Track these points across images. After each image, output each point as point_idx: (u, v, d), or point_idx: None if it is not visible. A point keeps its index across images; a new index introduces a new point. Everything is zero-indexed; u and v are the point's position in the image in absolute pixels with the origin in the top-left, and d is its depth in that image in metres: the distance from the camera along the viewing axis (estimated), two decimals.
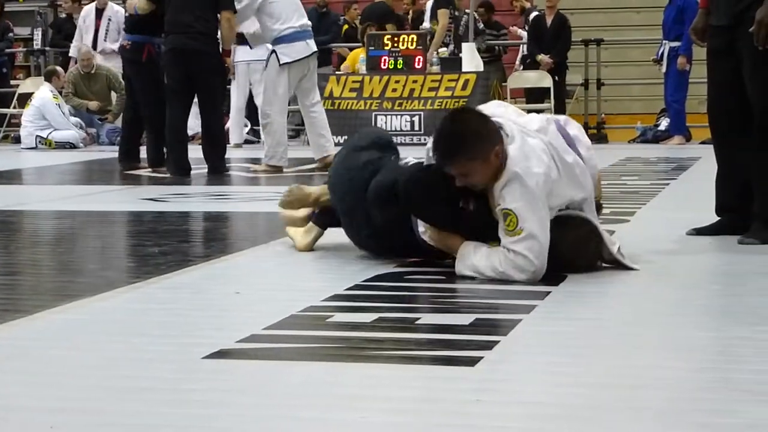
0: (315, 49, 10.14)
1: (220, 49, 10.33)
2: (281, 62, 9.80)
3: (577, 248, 4.59)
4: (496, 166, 4.45)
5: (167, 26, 9.76)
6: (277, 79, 9.86)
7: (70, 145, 13.74)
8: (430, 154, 4.66)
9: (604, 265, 4.75)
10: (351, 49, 15.48)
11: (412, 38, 13.71)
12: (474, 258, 4.50)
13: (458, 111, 4.61)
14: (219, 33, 9.93)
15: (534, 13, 14.97)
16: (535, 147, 4.51)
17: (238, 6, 9.81)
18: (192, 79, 9.71)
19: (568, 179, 4.58)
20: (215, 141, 10.02)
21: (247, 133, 14.46)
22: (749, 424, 2.70)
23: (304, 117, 10.50)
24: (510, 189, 4.41)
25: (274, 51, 9.87)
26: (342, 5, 17.04)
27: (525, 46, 15.32)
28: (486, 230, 4.53)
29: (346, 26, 16.44)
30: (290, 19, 9.89)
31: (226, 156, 10.22)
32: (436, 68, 13.69)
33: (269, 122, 9.97)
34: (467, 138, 4.46)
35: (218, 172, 9.84)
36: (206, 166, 9.95)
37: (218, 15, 9.78)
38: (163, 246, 5.75)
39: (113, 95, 14.75)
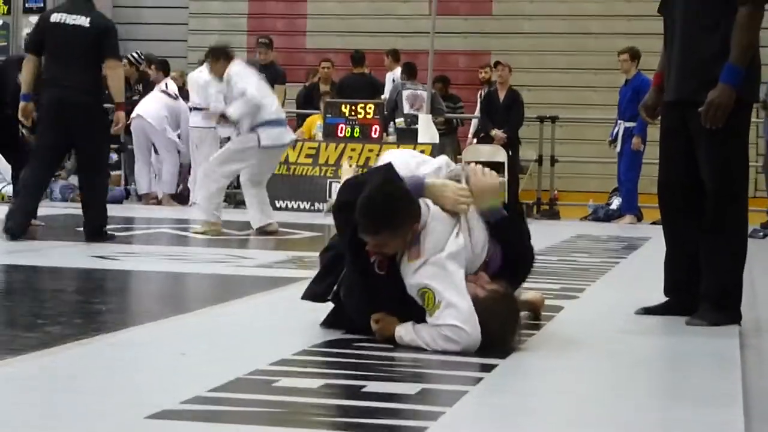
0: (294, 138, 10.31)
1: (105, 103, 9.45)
2: (261, 144, 9.86)
3: (506, 324, 4.58)
4: (408, 241, 4.52)
5: (45, 80, 8.92)
6: (244, 153, 9.90)
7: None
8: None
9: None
10: (307, 115, 15.52)
11: (370, 107, 13.80)
12: (407, 339, 4.52)
13: (392, 184, 4.61)
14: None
15: (487, 89, 15.14)
16: (445, 222, 4.56)
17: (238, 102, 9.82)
18: (70, 135, 8.86)
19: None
20: (97, 205, 9.02)
21: None
22: None
23: (249, 191, 10.37)
24: (425, 268, 4.48)
25: (255, 131, 9.91)
26: (305, 71, 17.08)
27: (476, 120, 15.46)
28: (404, 302, 4.56)
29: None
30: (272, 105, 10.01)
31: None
32: (392, 138, 13.78)
33: (214, 178, 9.98)
34: (396, 214, 4.51)
35: (95, 240, 8.87)
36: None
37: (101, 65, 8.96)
38: (110, 304, 5.71)
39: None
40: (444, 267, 4.48)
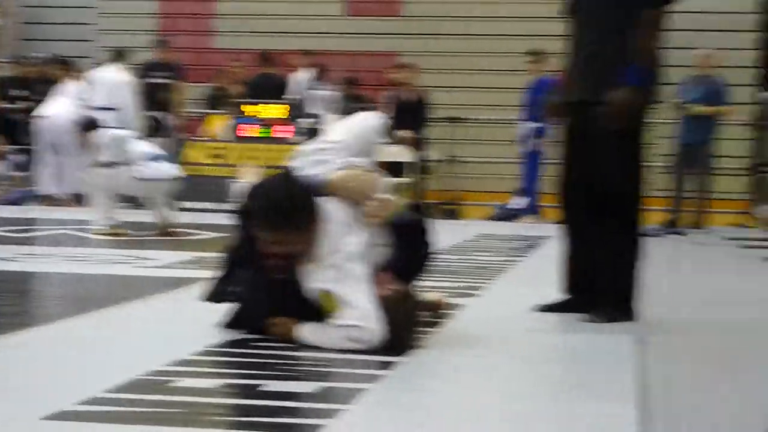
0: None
1: None
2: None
3: (408, 323, 4.61)
4: (308, 241, 4.54)
5: None
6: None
7: None
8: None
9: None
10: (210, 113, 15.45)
11: (278, 108, 13.78)
12: (311, 339, 4.54)
13: (296, 182, 4.62)
14: None
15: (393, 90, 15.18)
16: (340, 221, 4.58)
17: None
18: None
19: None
20: None
21: None
22: None
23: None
24: (323, 271, 4.51)
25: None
26: (213, 71, 16.95)
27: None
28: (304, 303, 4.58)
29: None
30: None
31: None
32: (300, 138, 13.75)
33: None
34: (296, 210, 4.53)
35: None
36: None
37: None
38: (7, 305, 5.64)
39: None
40: (341, 268, 4.50)
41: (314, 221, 4.55)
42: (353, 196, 4.63)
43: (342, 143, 4.76)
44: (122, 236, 9.76)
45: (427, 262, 4.92)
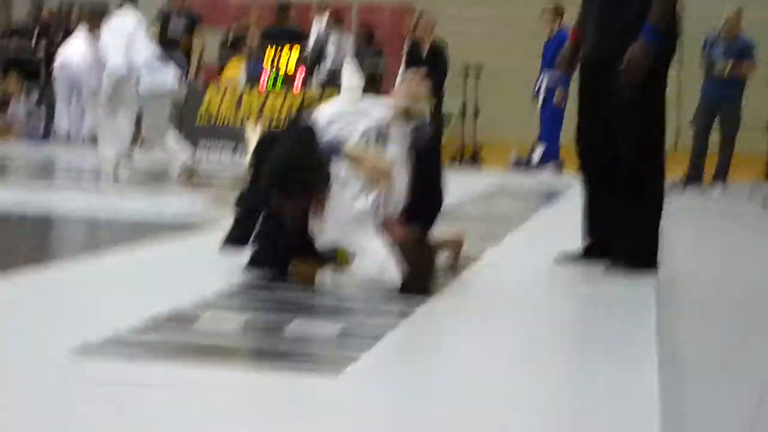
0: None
1: None
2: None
3: (423, 269, 4.60)
4: (314, 205, 4.57)
5: None
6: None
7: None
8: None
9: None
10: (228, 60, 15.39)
11: (294, 56, 13.73)
12: (329, 285, 4.56)
13: (298, 148, 4.67)
14: None
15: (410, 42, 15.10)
16: (352, 186, 4.59)
17: None
18: None
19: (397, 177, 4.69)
20: None
21: None
22: None
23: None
24: (332, 231, 4.56)
25: None
26: (229, 21, 16.88)
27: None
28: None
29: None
30: None
31: None
32: (315, 86, 13.74)
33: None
34: (296, 180, 4.56)
35: None
36: None
37: None
38: (30, 242, 5.66)
39: None
40: (351, 226, 4.54)
41: (326, 182, 4.57)
42: (363, 173, 4.63)
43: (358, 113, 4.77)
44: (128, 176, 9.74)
45: (435, 203, 4.92)
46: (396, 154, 4.73)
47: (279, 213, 4.62)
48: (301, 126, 4.83)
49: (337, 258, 4.55)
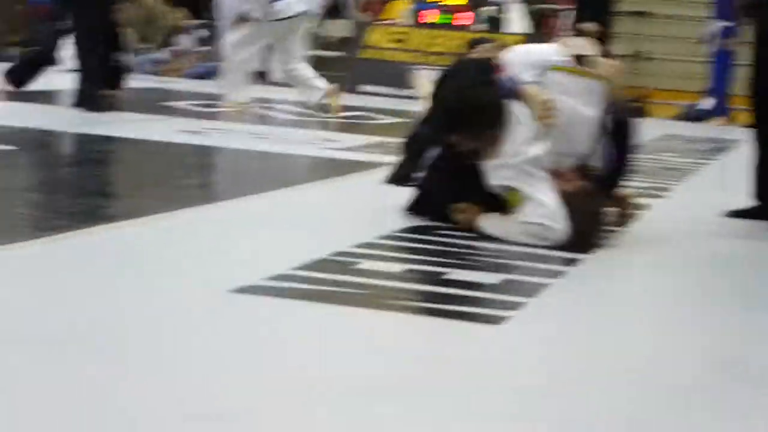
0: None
1: None
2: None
3: (591, 221, 4.53)
4: (489, 144, 4.50)
5: None
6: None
7: None
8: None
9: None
10: None
11: None
12: (492, 231, 4.51)
13: (478, 87, 4.60)
14: None
15: None
16: (529, 127, 4.53)
17: None
18: None
19: (571, 125, 4.61)
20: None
21: None
22: (746, 409, 2.67)
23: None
24: (504, 171, 4.47)
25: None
26: None
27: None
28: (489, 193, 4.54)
29: None
30: None
31: None
32: (482, 26, 13.61)
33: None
34: (471, 117, 4.50)
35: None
36: None
37: None
38: (192, 179, 5.74)
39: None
40: (524, 169, 4.46)
41: (501, 122, 4.50)
42: (533, 111, 4.56)
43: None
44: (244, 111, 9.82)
45: (622, 170, 4.84)
46: (571, 104, 4.63)
47: (451, 150, 4.58)
48: (475, 64, 4.78)
49: (508, 200, 4.48)
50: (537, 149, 4.51)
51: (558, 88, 4.60)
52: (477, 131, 4.50)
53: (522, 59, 4.72)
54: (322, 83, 10.22)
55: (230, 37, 10.16)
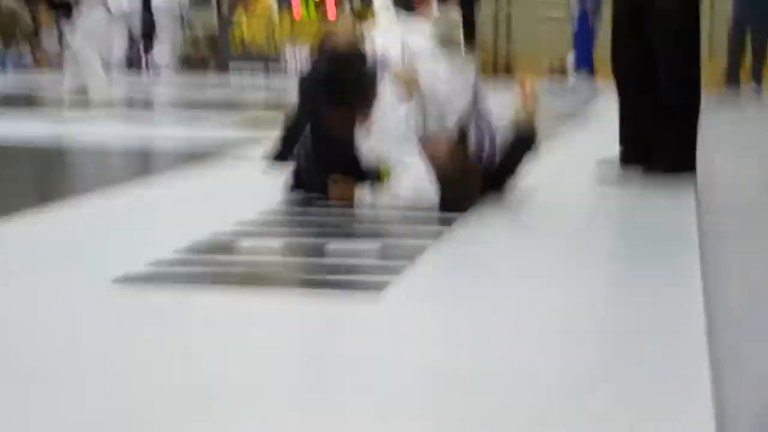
0: None
1: None
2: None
3: (463, 183, 4.59)
4: (362, 114, 4.57)
5: None
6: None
7: None
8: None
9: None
10: None
11: None
12: (367, 200, 4.57)
13: (346, 58, 4.71)
14: None
15: None
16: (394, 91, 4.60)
17: None
18: None
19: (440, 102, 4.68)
20: None
21: None
22: (646, 375, 2.75)
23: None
24: (376, 134, 4.55)
25: None
26: None
27: None
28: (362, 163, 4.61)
29: None
30: None
31: None
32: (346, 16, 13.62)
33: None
34: (353, 95, 4.57)
35: None
36: None
37: None
38: (65, 171, 5.67)
39: None
40: (393, 135, 4.53)
41: (370, 88, 4.57)
42: (397, 83, 4.64)
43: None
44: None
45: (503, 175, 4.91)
46: (437, 77, 4.70)
47: (325, 125, 4.62)
48: (343, 41, 4.84)
49: (380, 173, 4.55)
50: (405, 114, 4.57)
51: (421, 62, 4.69)
52: (347, 102, 4.55)
53: (384, 35, 4.83)
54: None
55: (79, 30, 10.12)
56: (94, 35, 10.04)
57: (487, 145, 4.84)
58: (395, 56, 4.74)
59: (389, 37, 4.89)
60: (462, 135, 4.75)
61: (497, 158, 4.82)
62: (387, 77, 4.64)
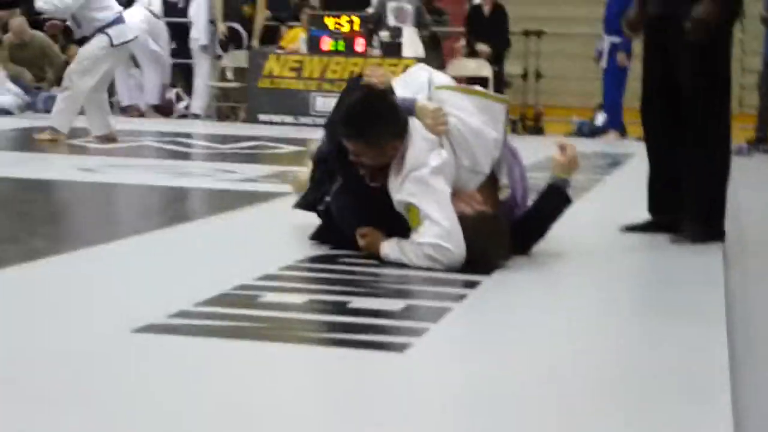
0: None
1: None
2: (114, 42, 9.93)
3: (491, 243, 4.55)
4: (391, 157, 4.53)
5: None
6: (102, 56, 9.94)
7: (5, 112, 13.54)
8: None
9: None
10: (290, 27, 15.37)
11: (354, 20, 13.68)
12: (393, 256, 4.52)
13: (379, 95, 4.66)
14: None
15: (475, 1, 14.99)
16: (427, 138, 4.57)
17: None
18: None
19: (474, 141, 4.65)
20: None
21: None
22: (670, 418, 2.73)
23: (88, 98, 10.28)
24: (407, 184, 4.48)
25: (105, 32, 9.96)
26: None
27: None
28: (393, 217, 4.56)
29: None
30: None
31: None
32: (376, 52, 13.68)
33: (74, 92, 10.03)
34: (375, 126, 4.52)
35: None
36: None
37: None
38: (93, 217, 5.69)
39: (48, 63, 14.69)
40: (427, 183, 4.48)
41: (394, 135, 4.54)
42: (426, 127, 4.61)
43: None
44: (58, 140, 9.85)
45: (534, 232, 4.90)
46: (464, 119, 4.67)
47: (354, 175, 4.60)
48: (373, 83, 4.83)
49: (409, 218, 4.50)
50: (438, 159, 4.54)
51: (448, 104, 4.66)
52: (375, 139, 4.52)
53: (407, 81, 4.82)
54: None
55: (73, 65, 10.15)
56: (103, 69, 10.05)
57: (519, 192, 4.83)
58: (421, 94, 4.72)
59: (415, 76, 4.88)
60: (493, 179, 4.72)
61: (527, 207, 4.83)
62: (413, 118, 4.61)
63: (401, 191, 4.50)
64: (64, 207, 6.51)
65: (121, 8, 10.48)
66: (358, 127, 4.54)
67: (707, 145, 5.45)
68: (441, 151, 4.56)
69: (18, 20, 14.48)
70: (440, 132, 4.59)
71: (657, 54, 5.58)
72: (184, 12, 15.43)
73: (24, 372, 2.90)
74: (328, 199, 4.87)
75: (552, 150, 4.95)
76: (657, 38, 5.57)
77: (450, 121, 4.61)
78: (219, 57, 14.62)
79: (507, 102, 4.95)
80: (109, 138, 10.10)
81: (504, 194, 4.76)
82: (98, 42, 9.94)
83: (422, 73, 4.96)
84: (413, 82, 4.86)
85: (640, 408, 2.81)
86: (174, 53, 14.99)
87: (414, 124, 4.60)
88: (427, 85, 4.81)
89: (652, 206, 5.71)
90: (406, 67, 12.95)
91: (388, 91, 4.67)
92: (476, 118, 4.70)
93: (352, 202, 4.70)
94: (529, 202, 4.94)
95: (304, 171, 5.51)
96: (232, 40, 14.52)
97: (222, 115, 14.49)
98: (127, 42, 10.22)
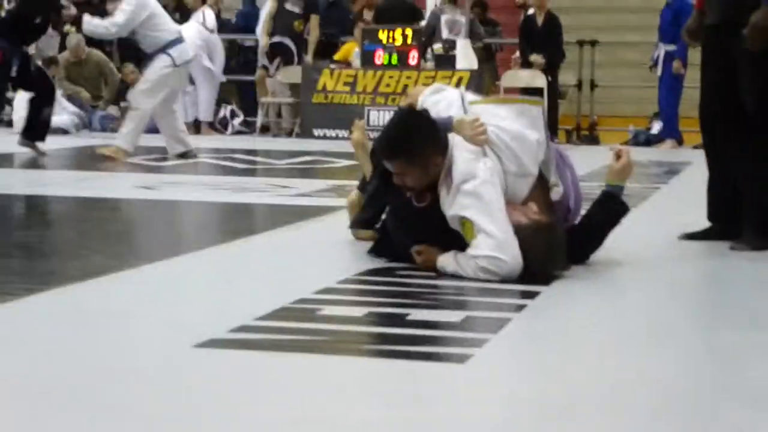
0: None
1: None
2: (177, 63, 10.12)
3: (547, 253, 4.52)
4: (434, 175, 4.54)
5: None
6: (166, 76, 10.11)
7: (61, 131, 13.69)
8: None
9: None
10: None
11: (407, 34, 13.70)
12: (450, 269, 4.52)
13: (413, 113, 4.69)
14: None
15: (528, 12, 14.95)
16: (470, 149, 4.56)
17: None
18: None
19: (516, 146, 4.64)
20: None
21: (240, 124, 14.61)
22: (733, 428, 2.71)
23: (162, 116, 10.51)
24: (459, 198, 4.48)
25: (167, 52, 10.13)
26: None
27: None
28: (447, 232, 4.56)
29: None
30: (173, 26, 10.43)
31: None
32: (430, 64, 13.69)
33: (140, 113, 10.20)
34: (413, 143, 4.54)
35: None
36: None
37: None
38: (154, 234, 5.74)
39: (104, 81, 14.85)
40: (478, 194, 4.47)
41: (433, 151, 4.55)
42: (465, 139, 4.62)
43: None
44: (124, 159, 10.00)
45: (589, 242, 4.88)
46: (504, 125, 4.68)
47: (403, 191, 4.62)
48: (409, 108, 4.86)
49: (464, 233, 4.49)
50: (485, 169, 4.53)
51: (484, 115, 4.66)
52: (415, 155, 4.53)
53: (437, 99, 4.83)
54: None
55: (139, 86, 10.29)
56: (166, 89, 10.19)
57: (572, 196, 4.82)
58: (454, 109, 4.73)
59: (444, 95, 4.89)
60: (543, 182, 4.70)
61: (581, 215, 4.83)
62: (453, 130, 4.61)
63: (453, 206, 4.50)
64: (124, 225, 6.57)
65: (180, 27, 10.61)
66: (397, 146, 4.56)
67: (766, 155, 5.41)
68: (486, 159, 4.56)
69: (75, 38, 14.63)
70: (481, 142, 4.59)
71: (716, 62, 5.55)
72: (238, 28, 15.54)
73: (87, 388, 2.92)
74: (383, 216, 4.89)
75: (608, 158, 4.93)
76: (715, 47, 5.54)
77: (489, 130, 4.61)
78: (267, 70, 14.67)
79: (542, 104, 4.96)
80: (188, 155, 10.23)
81: (556, 193, 4.74)
82: (161, 62, 10.07)
83: (452, 91, 4.97)
84: (443, 100, 4.86)
85: (711, 416, 2.79)
86: (227, 70, 15.10)
87: (455, 139, 4.60)
88: (460, 100, 4.82)
89: (712, 213, 5.67)
90: (459, 79, 13.05)
91: (424, 110, 4.69)
92: (515, 123, 4.70)
93: (404, 224, 4.71)
94: (583, 211, 4.92)
95: (354, 192, 5.52)
96: (282, 55, 14.57)
97: (275, 131, 14.58)
98: (189, 61, 10.35)
